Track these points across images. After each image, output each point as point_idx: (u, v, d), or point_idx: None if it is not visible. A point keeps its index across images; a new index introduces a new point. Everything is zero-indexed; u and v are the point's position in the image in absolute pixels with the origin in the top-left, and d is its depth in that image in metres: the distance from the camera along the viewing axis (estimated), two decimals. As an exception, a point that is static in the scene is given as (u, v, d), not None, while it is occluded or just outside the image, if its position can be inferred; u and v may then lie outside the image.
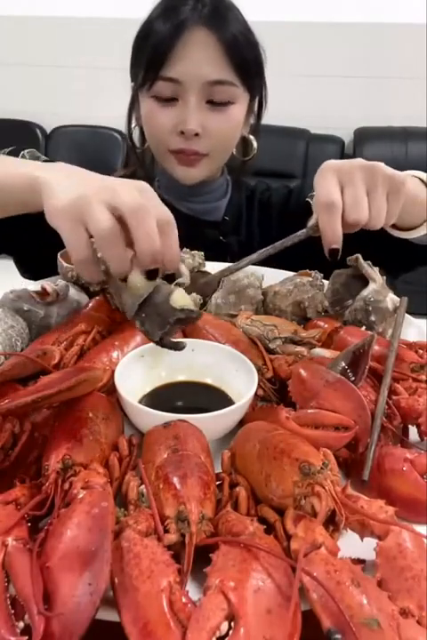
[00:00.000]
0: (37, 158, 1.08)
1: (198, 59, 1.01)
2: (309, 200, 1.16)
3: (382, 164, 0.77)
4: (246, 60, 1.05)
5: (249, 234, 1.23)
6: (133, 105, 1.16)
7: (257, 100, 1.16)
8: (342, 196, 0.75)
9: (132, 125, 1.19)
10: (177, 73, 1.02)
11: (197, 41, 1.01)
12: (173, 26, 1.01)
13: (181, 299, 0.63)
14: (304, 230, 0.84)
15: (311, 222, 0.82)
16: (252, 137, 1.19)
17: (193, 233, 1.06)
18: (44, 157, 1.09)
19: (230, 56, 1.02)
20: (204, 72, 1.02)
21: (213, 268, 1.01)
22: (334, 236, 0.76)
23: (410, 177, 0.91)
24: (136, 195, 0.60)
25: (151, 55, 1.03)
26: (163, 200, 1.25)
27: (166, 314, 0.61)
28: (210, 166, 1.13)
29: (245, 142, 1.19)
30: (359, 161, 0.78)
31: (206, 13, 1.01)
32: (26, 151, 1.09)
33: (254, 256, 0.90)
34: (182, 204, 1.20)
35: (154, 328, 0.62)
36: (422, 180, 0.92)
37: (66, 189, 0.62)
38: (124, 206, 0.59)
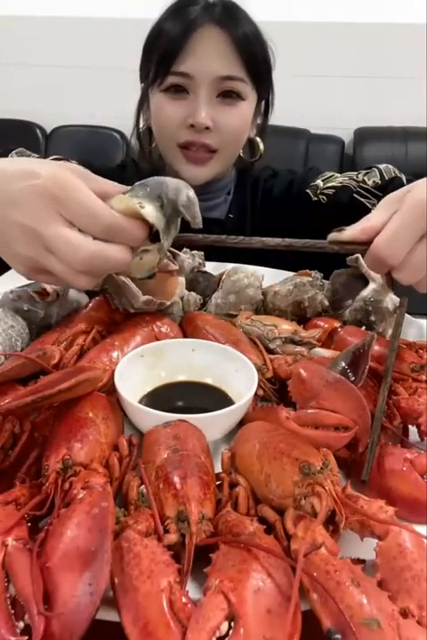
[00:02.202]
0: (28, 157, 1.08)
1: (209, 54, 1.03)
2: (308, 191, 1.16)
3: None
4: (256, 58, 1.07)
5: (254, 229, 1.23)
6: (142, 105, 1.17)
7: (264, 101, 1.16)
8: (411, 250, 0.61)
9: (141, 126, 1.20)
10: (188, 67, 1.04)
11: (208, 38, 1.03)
12: (184, 24, 1.03)
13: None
14: (335, 246, 0.68)
15: (347, 238, 0.65)
16: (258, 139, 1.19)
17: (197, 231, 1.06)
18: (35, 155, 1.09)
19: (241, 53, 1.04)
20: (214, 67, 1.04)
21: (214, 268, 1.01)
22: (379, 271, 0.67)
23: None
24: (34, 246, 0.56)
25: (163, 52, 1.05)
26: None
27: None
28: (218, 165, 1.13)
29: (251, 143, 1.19)
30: None
31: (218, 13, 1.04)
32: (15, 151, 1.09)
33: (269, 241, 0.74)
34: None
35: None
36: None
37: None
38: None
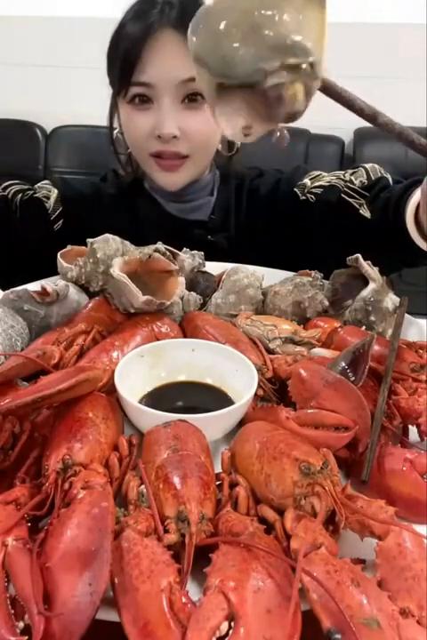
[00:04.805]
0: None
1: (168, 60, 1.01)
2: (296, 190, 1.16)
3: None
4: None
5: (238, 228, 1.23)
6: (113, 112, 1.16)
7: None
8: None
9: (116, 131, 1.18)
10: (149, 76, 1.02)
11: (166, 42, 1.01)
12: (140, 30, 1.01)
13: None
14: None
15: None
16: None
17: (181, 234, 1.06)
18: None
19: None
20: (174, 73, 1.02)
21: (214, 268, 1.01)
22: None
23: None
24: None
25: (123, 61, 1.04)
26: (153, 201, 1.25)
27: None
28: (192, 169, 1.12)
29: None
30: None
31: (174, 16, 1.01)
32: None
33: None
34: (170, 204, 1.19)
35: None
36: None
37: None
38: None
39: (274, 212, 1.18)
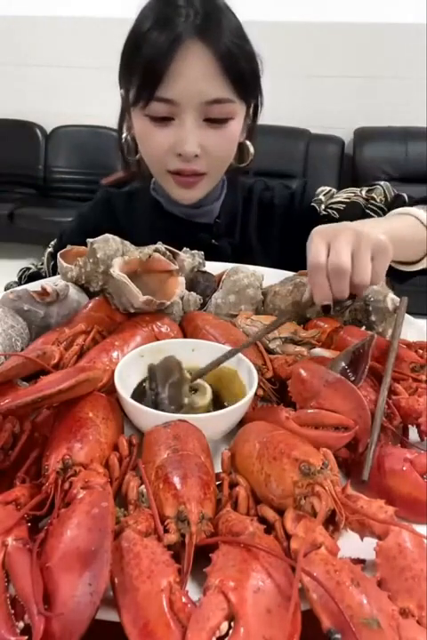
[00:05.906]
0: None
1: (194, 77, 0.96)
2: (314, 205, 1.16)
3: (368, 231, 0.78)
4: (243, 74, 1.00)
5: (244, 236, 1.22)
6: (124, 115, 1.12)
7: (253, 105, 1.13)
8: (328, 256, 0.77)
9: (124, 134, 1.15)
10: (173, 93, 0.97)
11: (193, 55, 0.95)
12: (167, 40, 0.95)
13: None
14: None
15: (306, 294, 0.84)
16: (248, 143, 1.15)
17: (186, 237, 1.05)
18: None
19: (227, 72, 0.97)
20: (201, 91, 0.97)
21: (214, 268, 1.01)
22: (322, 294, 0.78)
23: (405, 217, 0.95)
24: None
25: (145, 72, 0.98)
26: (156, 203, 1.24)
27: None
28: (209, 185, 1.10)
29: (240, 147, 1.16)
30: (346, 224, 0.82)
31: (199, 23, 0.96)
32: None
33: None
34: (175, 207, 1.18)
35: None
36: (419, 220, 0.94)
37: None
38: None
39: (290, 227, 1.19)
